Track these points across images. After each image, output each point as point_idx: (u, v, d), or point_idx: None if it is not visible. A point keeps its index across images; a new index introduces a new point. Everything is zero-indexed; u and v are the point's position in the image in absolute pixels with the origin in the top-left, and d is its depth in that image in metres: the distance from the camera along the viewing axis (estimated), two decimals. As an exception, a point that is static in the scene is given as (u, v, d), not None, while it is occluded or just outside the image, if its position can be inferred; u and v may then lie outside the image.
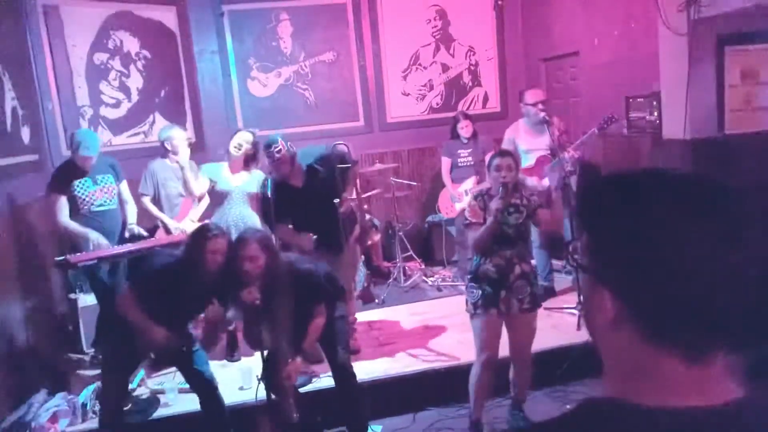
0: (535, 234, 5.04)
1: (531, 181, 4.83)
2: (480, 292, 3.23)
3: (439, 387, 3.83)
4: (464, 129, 5.62)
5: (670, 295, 0.68)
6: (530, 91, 4.91)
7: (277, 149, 3.80)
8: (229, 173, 4.35)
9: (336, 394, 3.46)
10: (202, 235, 3.13)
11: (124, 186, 4.41)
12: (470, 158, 5.61)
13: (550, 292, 5.00)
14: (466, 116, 5.72)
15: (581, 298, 4.34)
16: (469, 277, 3.36)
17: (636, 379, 0.72)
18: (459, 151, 5.67)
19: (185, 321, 3.35)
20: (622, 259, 0.72)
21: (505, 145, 4.94)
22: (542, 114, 4.65)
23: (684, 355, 0.69)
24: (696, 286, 0.67)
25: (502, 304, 3.20)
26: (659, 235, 0.69)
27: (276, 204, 3.65)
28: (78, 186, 4.11)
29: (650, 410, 0.69)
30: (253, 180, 4.33)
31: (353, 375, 3.41)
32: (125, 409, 3.65)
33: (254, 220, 4.28)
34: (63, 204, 4.08)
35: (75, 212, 4.12)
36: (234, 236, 4.11)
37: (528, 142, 4.84)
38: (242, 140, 4.32)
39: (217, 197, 4.33)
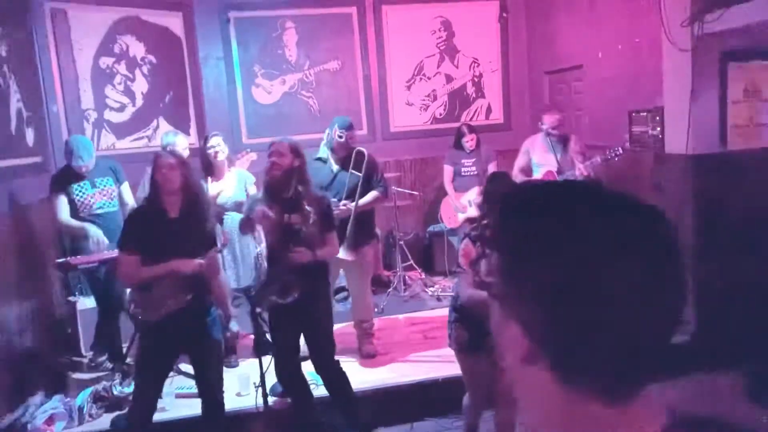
0: None
1: None
2: (467, 334, 2.92)
3: (437, 397, 3.81)
4: (469, 142, 5.64)
5: (583, 332, 0.60)
6: (547, 113, 5.10)
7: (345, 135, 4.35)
8: (223, 185, 4.17)
9: (332, 398, 3.43)
10: (152, 164, 3.04)
11: (126, 188, 4.42)
12: (474, 168, 5.62)
13: None
14: (471, 129, 5.73)
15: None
16: (455, 315, 3.02)
17: (553, 421, 0.66)
18: (463, 161, 5.68)
19: (196, 250, 3.05)
20: (531, 290, 0.62)
21: (521, 155, 5.16)
22: (541, 132, 4.97)
23: (602, 397, 0.62)
24: (612, 322, 0.59)
25: (490, 343, 3.00)
26: (571, 262, 0.60)
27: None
28: (76, 189, 4.13)
29: None
30: (240, 185, 4.24)
31: (343, 375, 3.42)
32: (123, 412, 3.65)
33: None
34: (63, 203, 4.11)
35: (75, 215, 4.13)
36: (234, 242, 4.13)
37: (540, 157, 4.98)
38: (221, 143, 4.16)
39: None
